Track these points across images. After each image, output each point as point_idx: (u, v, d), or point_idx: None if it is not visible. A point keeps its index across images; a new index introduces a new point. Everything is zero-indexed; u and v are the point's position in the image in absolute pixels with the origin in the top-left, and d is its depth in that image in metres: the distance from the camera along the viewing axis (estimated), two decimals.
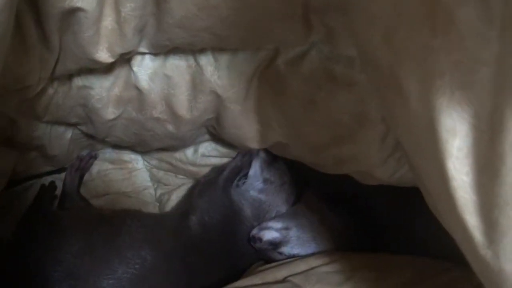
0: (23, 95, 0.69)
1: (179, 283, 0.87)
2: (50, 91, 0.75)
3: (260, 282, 0.80)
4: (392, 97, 0.46)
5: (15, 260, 0.83)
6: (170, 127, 0.86)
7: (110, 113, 0.82)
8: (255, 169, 1.02)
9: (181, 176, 1.09)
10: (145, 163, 1.10)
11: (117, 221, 0.89)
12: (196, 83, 0.78)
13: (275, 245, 0.93)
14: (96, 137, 0.93)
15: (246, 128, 0.83)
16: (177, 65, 0.76)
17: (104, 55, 0.66)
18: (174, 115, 0.83)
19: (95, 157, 1.08)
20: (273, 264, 0.89)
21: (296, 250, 0.94)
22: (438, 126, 0.40)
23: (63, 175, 1.03)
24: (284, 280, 0.79)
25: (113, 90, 0.78)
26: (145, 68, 0.76)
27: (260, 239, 0.93)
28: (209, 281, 0.88)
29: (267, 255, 0.95)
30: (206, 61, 0.76)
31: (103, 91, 0.78)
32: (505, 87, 0.36)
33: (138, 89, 0.79)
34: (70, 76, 0.75)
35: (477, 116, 0.39)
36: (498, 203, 0.38)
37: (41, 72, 0.66)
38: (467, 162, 0.40)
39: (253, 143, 0.86)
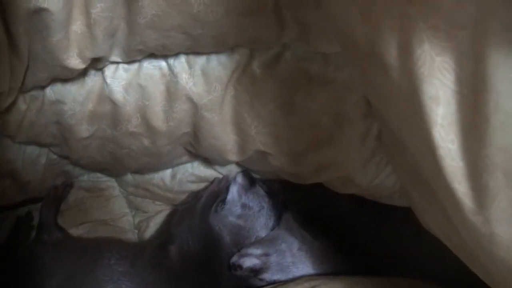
0: None
1: None
2: (23, 106, 0.74)
3: None
4: (374, 73, 0.46)
5: None
6: (146, 142, 0.84)
7: (84, 130, 0.80)
8: (233, 194, 1.00)
9: (158, 203, 1.07)
10: (122, 190, 1.08)
11: (96, 254, 0.87)
12: (171, 92, 0.77)
13: (255, 272, 0.91)
14: (71, 158, 0.91)
15: (224, 138, 0.82)
16: (151, 75, 0.76)
17: (74, 61, 0.64)
18: (149, 128, 0.81)
19: (71, 186, 1.06)
20: None
21: (276, 276, 0.91)
22: (421, 95, 0.40)
23: (38, 205, 1.00)
24: None
25: (87, 105, 0.77)
26: (119, 79, 0.75)
27: (241, 267, 0.90)
28: None
29: (248, 282, 0.93)
30: (181, 68, 0.75)
31: (76, 106, 0.76)
32: (485, 48, 0.36)
33: (112, 102, 0.77)
34: (42, 89, 0.74)
35: (459, 81, 0.39)
36: (486, 166, 0.37)
37: (11, 80, 0.64)
38: (452, 130, 0.40)
39: (232, 155, 0.84)
